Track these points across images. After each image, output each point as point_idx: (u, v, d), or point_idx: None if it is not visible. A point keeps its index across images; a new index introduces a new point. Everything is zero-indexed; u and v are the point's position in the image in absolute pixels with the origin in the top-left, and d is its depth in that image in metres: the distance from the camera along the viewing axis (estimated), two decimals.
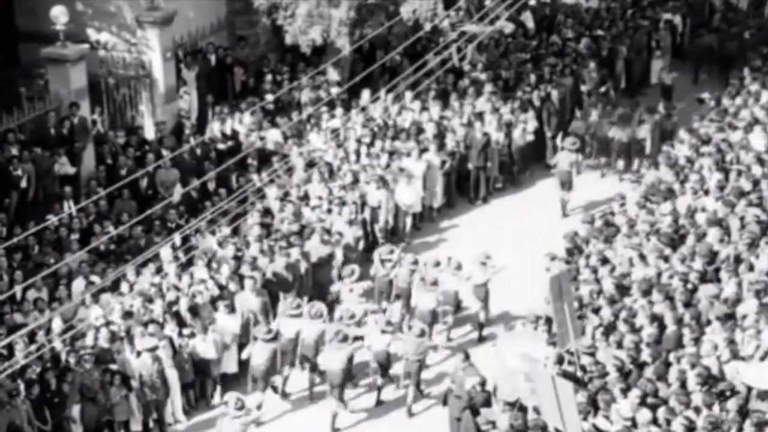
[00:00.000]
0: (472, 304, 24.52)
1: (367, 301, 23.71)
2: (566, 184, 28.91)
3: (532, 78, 31.94)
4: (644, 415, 18.02)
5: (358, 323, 22.66)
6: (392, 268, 24.62)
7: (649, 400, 18.38)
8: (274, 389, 22.66)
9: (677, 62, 35.34)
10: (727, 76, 33.10)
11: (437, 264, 24.14)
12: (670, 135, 30.07)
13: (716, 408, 18.18)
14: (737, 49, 34.97)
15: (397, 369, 22.61)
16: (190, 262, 23.57)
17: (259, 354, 22.00)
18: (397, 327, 22.70)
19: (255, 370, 22.04)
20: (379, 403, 22.70)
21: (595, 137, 30.70)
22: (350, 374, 22.12)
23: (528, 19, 35.97)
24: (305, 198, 26.24)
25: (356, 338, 22.13)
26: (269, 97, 29.50)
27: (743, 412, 18.03)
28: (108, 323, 21.70)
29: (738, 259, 22.55)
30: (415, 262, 24.42)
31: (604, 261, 23.10)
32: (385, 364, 22.46)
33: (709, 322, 20.44)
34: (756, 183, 25.25)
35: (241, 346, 22.75)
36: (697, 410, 18.08)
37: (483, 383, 20.19)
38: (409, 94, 30.11)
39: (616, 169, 30.45)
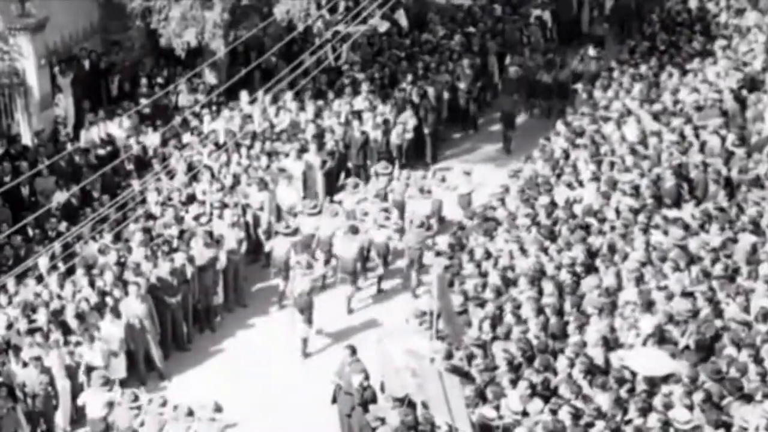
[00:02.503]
0: (455, 214, 27.39)
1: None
2: (509, 124, 32.31)
3: (408, 76, 32.22)
4: (536, 405, 18.30)
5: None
6: (388, 182, 27.53)
7: (539, 390, 18.67)
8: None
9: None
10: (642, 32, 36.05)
11: (424, 177, 28.04)
12: (596, 77, 32.54)
13: (603, 395, 18.53)
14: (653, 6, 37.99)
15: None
16: (72, 270, 23.37)
17: (279, 247, 25.10)
18: (395, 225, 26.23)
19: (276, 260, 25.24)
20: (380, 291, 26.09)
21: (525, 81, 33.59)
22: (362, 263, 25.71)
23: (401, 18, 36.22)
24: (188, 202, 26.14)
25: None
26: (145, 102, 29.34)
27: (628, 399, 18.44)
28: None
29: (613, 249, 23.01)
30: (409, 177, 27.88)
31: (488, 255, 23.42)
32: (384, 255, 25.98)
33: (600, 312, 20.84)
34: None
35: (129, 353, 22.72)
36: (585, 398, 18.41)
37: (368, 377, 20.35)
38: (286, 95, 30.18)
39: (543, 109, 33.90)
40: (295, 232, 25.64)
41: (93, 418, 21.08)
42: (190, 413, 20.18)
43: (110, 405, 20.77)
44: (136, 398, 20.56)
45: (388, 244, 26.17)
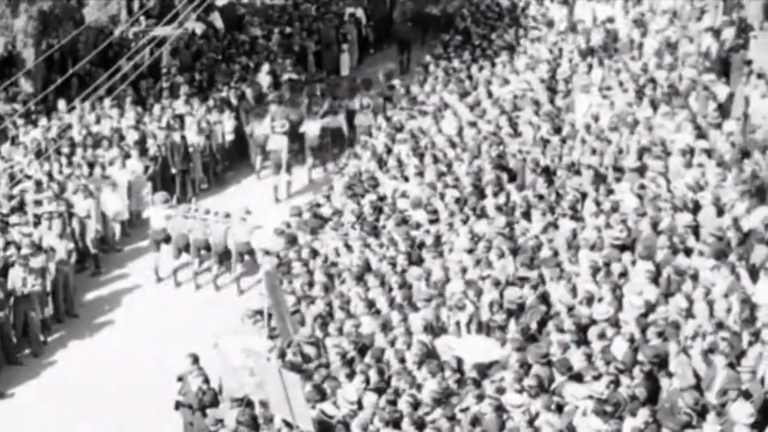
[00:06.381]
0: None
1: None
2: (406, 48, 37.72)
3: (228, 78, 32.33)
4: (371, 397, 18.60)
5: None
6: None
7: (375, 382, 19.00)
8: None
9: None
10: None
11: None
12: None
13: (433, 381, 18.94)
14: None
15: None
16: None
17: (274, 143, 29.63)
18: None
19: (274, 155, 29.79)
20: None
21: (416, 13, 38.61)
22: (324, 141, 31.17)
23: (216, 19, 36.33)
24: (11, 213, 25.73)
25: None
26: None
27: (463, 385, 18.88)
28: None
29: (439, 240, 23.49)
30: None
31: (315, 253, 23.68)
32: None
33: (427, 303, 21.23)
34: (450, 165, 26.45)
35: None
36: (419, 387, 18.80)
37: (206, 381, 20.39)
38: (106, 101, 29.96)
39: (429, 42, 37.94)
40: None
41: (155, 229, 26.37)
42: (227, 216, 25.61)
43: (169, 218, 26.01)
44: (188, 210, 26.16)
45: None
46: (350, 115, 31.87)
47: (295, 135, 30.49)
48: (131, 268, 27.38)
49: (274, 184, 30.02)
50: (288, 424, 18.27)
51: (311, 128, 30.69)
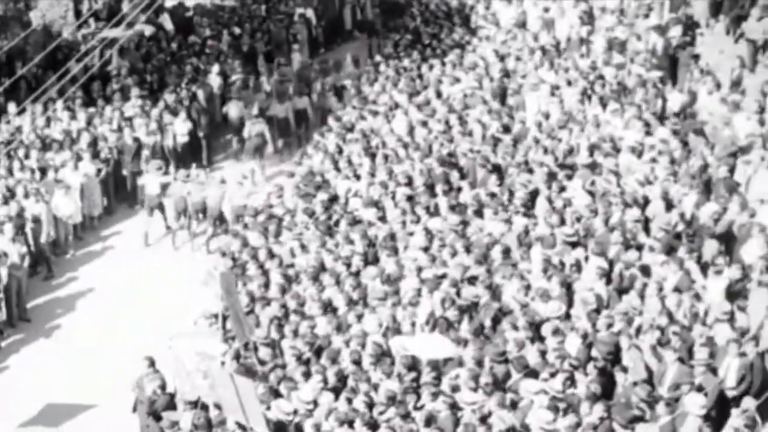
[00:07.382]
0: None
1: None
2: (374, 33, 39.23)
3: (179, 79, 32.26)
4: (327, 397, 18.63)
5: None
6: None
7: (331, 383, 19.05)
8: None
9: None
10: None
11: None
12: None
13: (389, 381, 19.03)
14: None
15: None
16: None
17: (250, 130, 30.77)
18: None
19: (252, 140, 30.78)
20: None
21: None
22: (291, 125, 32.19)
23: (166, 21, 36.21)
24: None
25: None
26: None
27: (419, 383, 18.96)
28: None
29: (393, 238, 23.54)
30: None
31: (271, 254, 23.64)
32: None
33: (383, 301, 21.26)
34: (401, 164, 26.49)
35: None
36: (376, 387, 18.83)
37: (163, 386, 20.32)
38: (58, 104, 29.80)
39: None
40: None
41: (150, 195, 27.87)
42: (223, 181, 27.53)
43: (163, 186, 27.57)
44: (188, 175, 27.80)
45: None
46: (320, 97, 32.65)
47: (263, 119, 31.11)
48: (84, 272, 27.23)
49: (257, 168, 30.86)
50: (242, 426, 18.25)
51: (279, 111, 31.70)
